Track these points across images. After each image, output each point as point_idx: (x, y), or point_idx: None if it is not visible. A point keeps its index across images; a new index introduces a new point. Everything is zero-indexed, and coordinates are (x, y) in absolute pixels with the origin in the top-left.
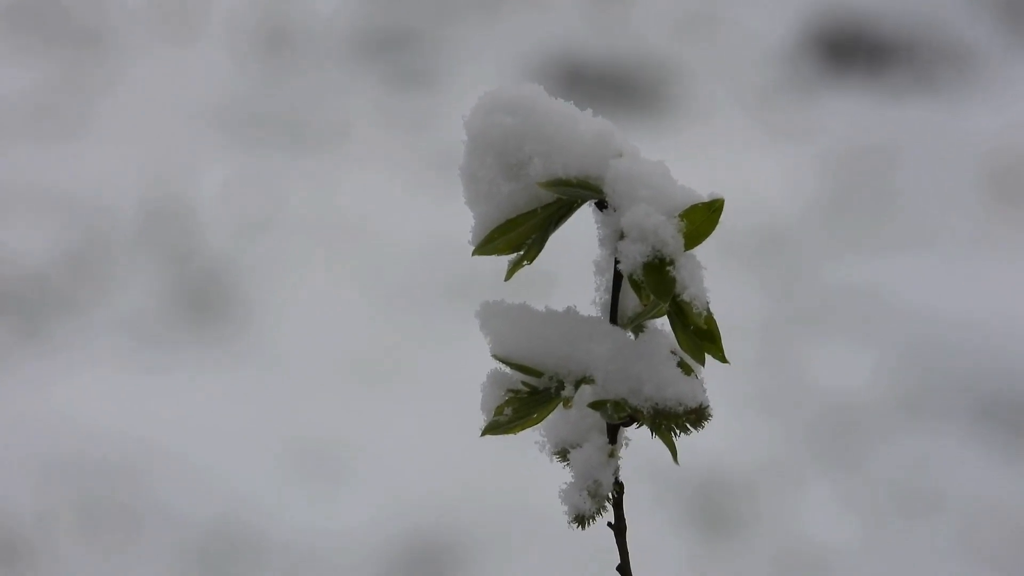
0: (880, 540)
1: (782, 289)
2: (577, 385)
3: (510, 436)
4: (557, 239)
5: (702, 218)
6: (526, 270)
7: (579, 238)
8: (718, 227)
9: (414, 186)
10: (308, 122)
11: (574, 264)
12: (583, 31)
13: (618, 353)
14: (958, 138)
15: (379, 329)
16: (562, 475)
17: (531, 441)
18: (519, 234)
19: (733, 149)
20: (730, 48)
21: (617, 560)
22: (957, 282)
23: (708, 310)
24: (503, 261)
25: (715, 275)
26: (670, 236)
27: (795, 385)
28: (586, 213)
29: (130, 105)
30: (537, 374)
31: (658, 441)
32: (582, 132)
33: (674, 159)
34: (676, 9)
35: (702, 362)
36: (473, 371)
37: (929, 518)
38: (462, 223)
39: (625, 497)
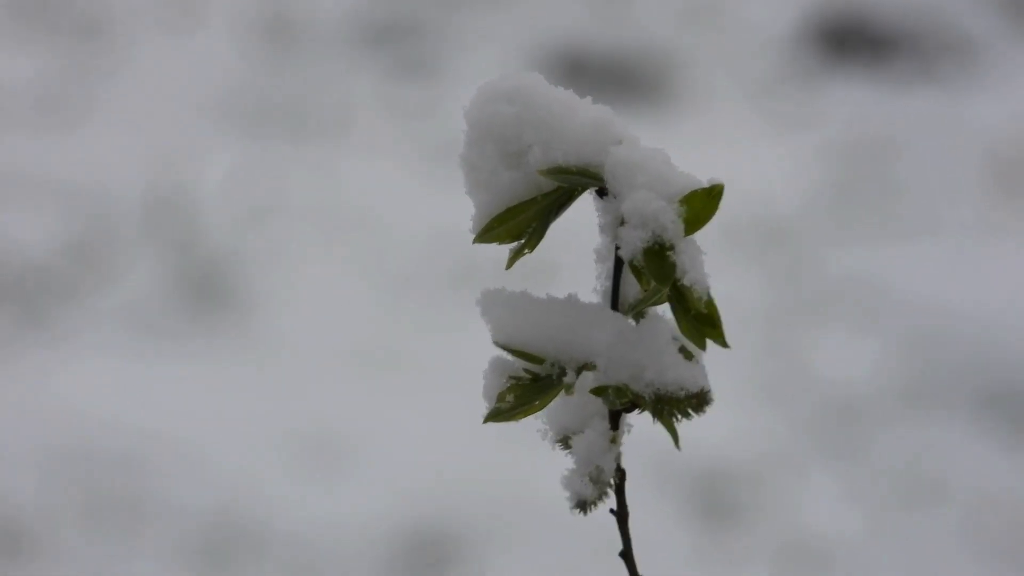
0: (883, 530)
1: (784, 279)
2: (579, 371)
3: (512, 424)
4: (558, 227)
5: (702, 204)
6: (527, 258)
7: (580, 227)
8: (720, 216)
9: (417, 175)
10: (310, 111)
11: (575, 253)
12: (586, 20)
13: (619, 339)
14: (961, 128)
15: (382, 318)
16: (564, 463)
17: (533, 429)
18: (519, 222)
19: (736, 139)
20: (733, 38)
21: (620, 547)
22: (960, 272)
23: (709, 295)
24: (505, 250)
25: (717, 265)
26: (670, 221)
27: (797, 375)
28: (587, 201)
29: (133, 94)
30: (539, 361)
31: (661, 431)
32: (581, 120)
33: (677, 149)
34: None
35: (703, 347)
36: (476, 360)
37: (932, 508)
38: (465, 212)
39: (627, 484)
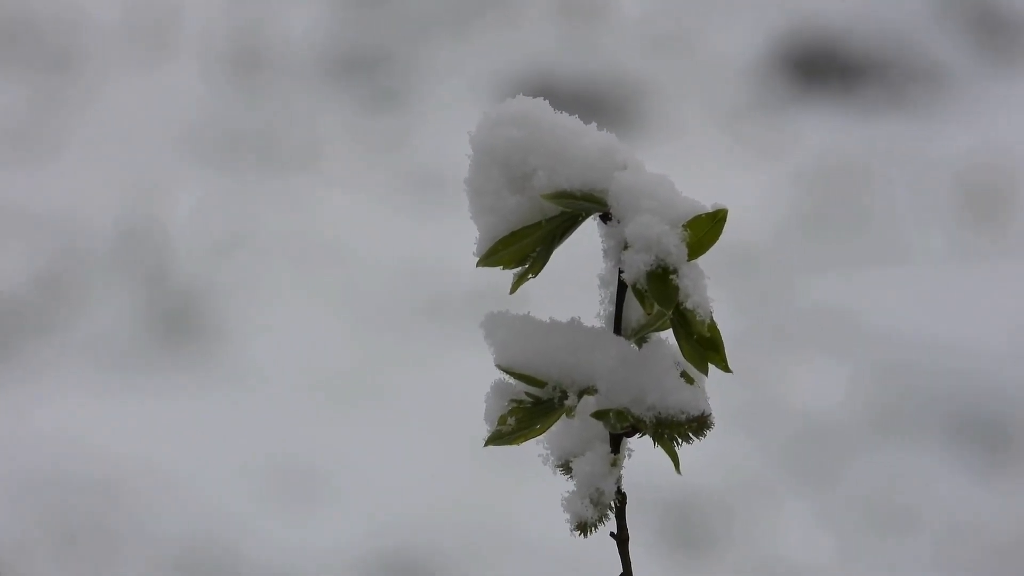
0: (855, 558)
1: (756, 306)
2: (580, 395)
3: (496, 452)
4: (560, 253)
5: (705, 228)
6: (529, 283)
7: (582, 252)
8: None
9: (387, 206)
10: (281, 142)
11: (576, 278)
12: (555, 49)
13: (621, 363)
14: (930, 156)
15: (354, 349)
16: (544, 492)
17: (512, 459)
18: (523, 247)
19: (706, 167)
20: (702, 66)
21: (613, 572)
22: (931, 299)
23: (711, 319)
24: (483, 279)
25: None
26: (673, 245)
27: (770, 403)
28: (590, 228)
29: (103, 126)
30: (540, 384)
31: (637, 460)
32: (587, 145)
33: None
34: (648, 27)
35: (705, 371)
36: (450, 390)
37: (904, 536)
38: (436, 243)
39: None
